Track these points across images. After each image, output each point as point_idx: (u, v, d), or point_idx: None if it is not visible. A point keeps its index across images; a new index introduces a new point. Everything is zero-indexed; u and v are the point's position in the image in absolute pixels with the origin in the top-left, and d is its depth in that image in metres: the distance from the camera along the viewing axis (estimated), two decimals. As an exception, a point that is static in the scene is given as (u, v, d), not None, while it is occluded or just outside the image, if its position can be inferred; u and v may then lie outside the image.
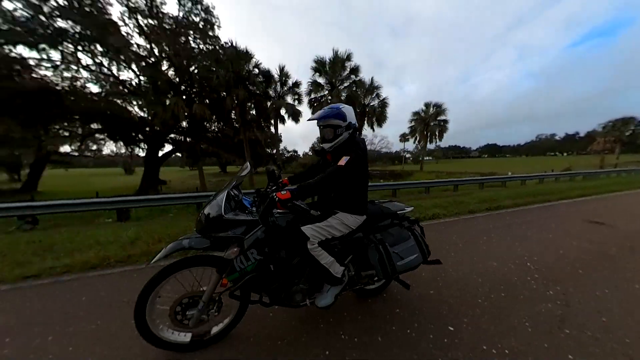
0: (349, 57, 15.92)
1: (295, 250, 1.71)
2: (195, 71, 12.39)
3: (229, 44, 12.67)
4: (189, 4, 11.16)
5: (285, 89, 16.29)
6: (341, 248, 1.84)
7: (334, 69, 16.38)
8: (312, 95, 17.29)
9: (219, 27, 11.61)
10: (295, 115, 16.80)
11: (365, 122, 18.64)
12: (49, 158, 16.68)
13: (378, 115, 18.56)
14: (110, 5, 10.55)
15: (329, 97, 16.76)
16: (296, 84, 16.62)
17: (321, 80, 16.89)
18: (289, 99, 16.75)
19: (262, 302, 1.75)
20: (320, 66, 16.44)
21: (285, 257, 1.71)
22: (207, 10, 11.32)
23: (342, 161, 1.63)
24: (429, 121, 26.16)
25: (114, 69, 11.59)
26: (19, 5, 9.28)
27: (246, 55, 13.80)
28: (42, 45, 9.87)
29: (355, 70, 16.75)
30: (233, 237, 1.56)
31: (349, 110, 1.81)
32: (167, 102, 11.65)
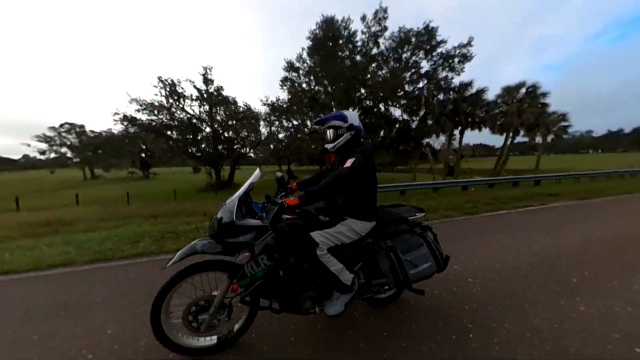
0: (535, 86, 22.61)
1: (305, 257, 1.70)
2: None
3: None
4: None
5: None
6: (350, 255, 1.81)
7: (514, 93, 22.98)
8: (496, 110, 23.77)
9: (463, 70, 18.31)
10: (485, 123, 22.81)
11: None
12: (239, 160, 22.15)
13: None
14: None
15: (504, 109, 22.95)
16: (488, 104, 22.63)
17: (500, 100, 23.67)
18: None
19: (271, 308, 1.75)
20: (506, 91, 23.09)
21: (295, 264, 1.71)
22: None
23: (348, 163, 1.63)
24: (549, 127, 29.66)
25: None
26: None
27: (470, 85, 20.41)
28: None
29: (544, 94, 22.92)
30: (244, 242, 1.59)
31: (351, 114, 1.83)
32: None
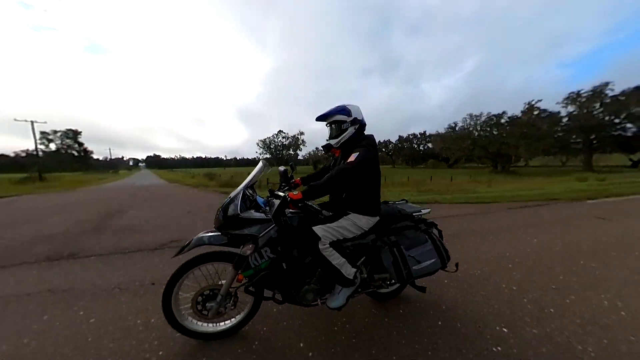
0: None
1: (307, 250, 1.73)
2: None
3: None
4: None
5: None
6: (353, 249, 1.82)
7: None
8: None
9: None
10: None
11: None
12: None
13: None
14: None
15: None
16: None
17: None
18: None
19: (275, 299, 1.80)
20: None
21: (297, 257, 1.75)
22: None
23: (352, 157, 1.62)
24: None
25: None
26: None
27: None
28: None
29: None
30: (248, 234, 1.64)
31: (354, 108, 1.82)
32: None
